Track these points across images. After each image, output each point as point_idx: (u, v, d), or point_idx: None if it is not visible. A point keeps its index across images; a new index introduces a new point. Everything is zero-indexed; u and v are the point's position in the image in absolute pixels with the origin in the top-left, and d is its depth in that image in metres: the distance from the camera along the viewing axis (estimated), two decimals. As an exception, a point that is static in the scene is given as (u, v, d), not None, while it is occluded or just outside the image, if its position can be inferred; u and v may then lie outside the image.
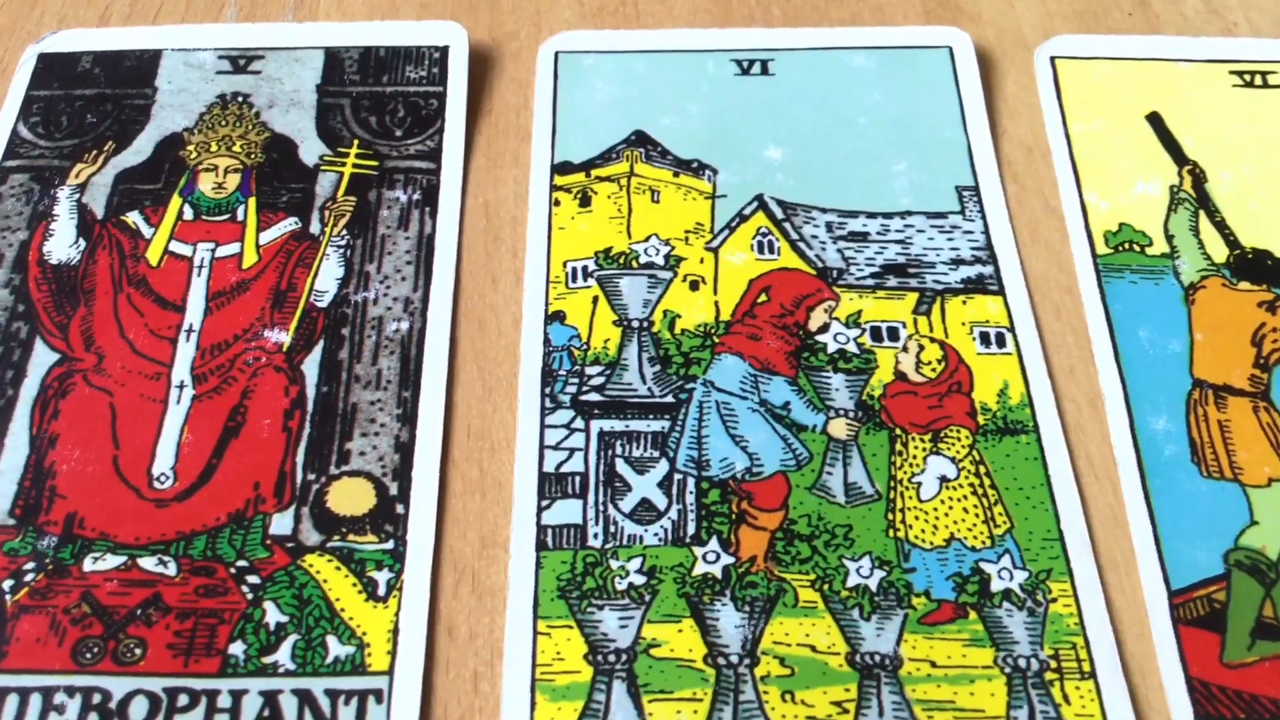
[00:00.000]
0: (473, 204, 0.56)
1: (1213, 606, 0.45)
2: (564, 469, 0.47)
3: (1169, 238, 0.54)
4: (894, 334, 0.51)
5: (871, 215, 0.55)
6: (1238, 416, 0.49)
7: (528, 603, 0.44)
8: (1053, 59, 0.61)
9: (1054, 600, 0.44)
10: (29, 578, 0.44)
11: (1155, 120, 0.59)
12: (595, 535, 0.46)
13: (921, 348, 0.51)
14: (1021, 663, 0.43)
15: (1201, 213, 0.55)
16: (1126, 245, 0.54)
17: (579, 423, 0.49)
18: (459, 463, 0.48)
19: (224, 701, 0.41)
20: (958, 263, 0.54)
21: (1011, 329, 0.51)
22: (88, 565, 0.44)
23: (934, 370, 0.50)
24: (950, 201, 0.56)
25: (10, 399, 0.48)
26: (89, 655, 0.42)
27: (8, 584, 0.44)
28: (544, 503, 0.46)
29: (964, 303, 0.52)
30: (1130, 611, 0.45)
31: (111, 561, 0.44)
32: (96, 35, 0.61)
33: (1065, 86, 0.60)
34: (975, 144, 0.58)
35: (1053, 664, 0.43)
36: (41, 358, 0.49)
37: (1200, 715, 0.42)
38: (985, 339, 0.51)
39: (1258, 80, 0.60)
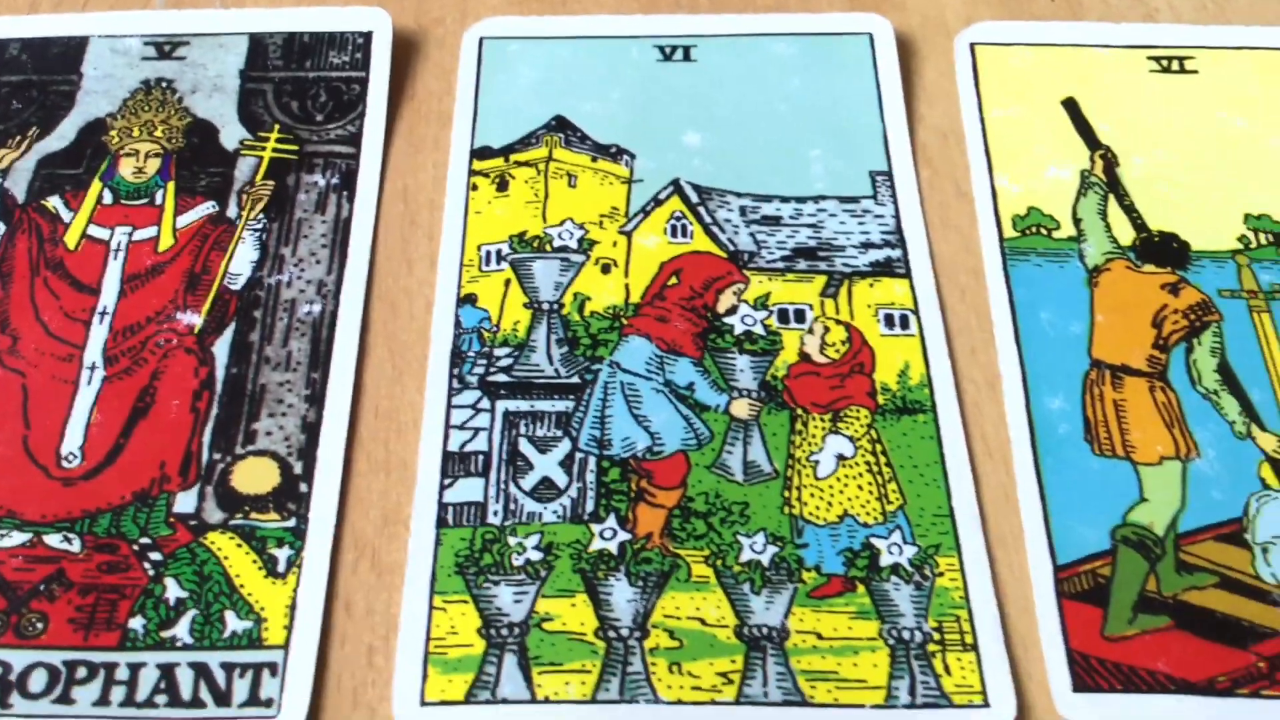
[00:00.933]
0: (391, 188, 0.56)
1: (1097, 581, 0.46)
2: (468, 448, 0.48)
3: (1076, 221, 0.55)
4: (801, 316, 0.52)
5: (785, 199, 0.56)
6: (1134, 396, 0.50)
7: (425, 578, 0.45)
8: (973, 45, 0.62)
9: (941, 574, 0.45)
10: (-65, 555, 0.45)
11: (1070, 105, 0.60)
12: (495, 513, 0.47)
13: (827, 329, 0.51)
14: (905, 635, 0.44)
15: (1111, 197, 0.56)
16: (1034, 229, 0.55)
17: (485, 403, 0.49)
18: (365, 442, 0.49)
19: (122, 674, 0.42)
20: (867, 246, 0.54)
21: (916, 311, 0.52)
22: (-7, 542, 0.45)
23: (838, 351, 0.51)
24: (864, 186, 0.56)
25: (-76, 380, 0.49)
26: (-9, 629, 0.43)
27: (-85, 560, 0.44)
28: (446, 481, 0.47)
29: (871, 285, 0.53)
30: (1016, 586, 0.46)
31: (17, 539, 0.45)
32: (26, 22, 0.61)
33: (984, 73, 0.61)
34: (891, 130, 0.58)
35: (936, 636, 0.44)
36: (-44, 340, 0.50)
37: (1078, 686, 0.43)
38: (890, 321, 0.52)
39: (1175, 65, 0.61)
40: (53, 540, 0.45)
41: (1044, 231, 0.55)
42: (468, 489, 0.47)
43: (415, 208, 0.56)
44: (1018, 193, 0.57)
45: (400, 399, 0.50)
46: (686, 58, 0.61)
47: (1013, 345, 0.51)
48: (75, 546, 0.45)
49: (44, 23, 0.61)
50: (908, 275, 0.53)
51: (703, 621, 0.44)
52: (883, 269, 0.54)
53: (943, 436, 0.49)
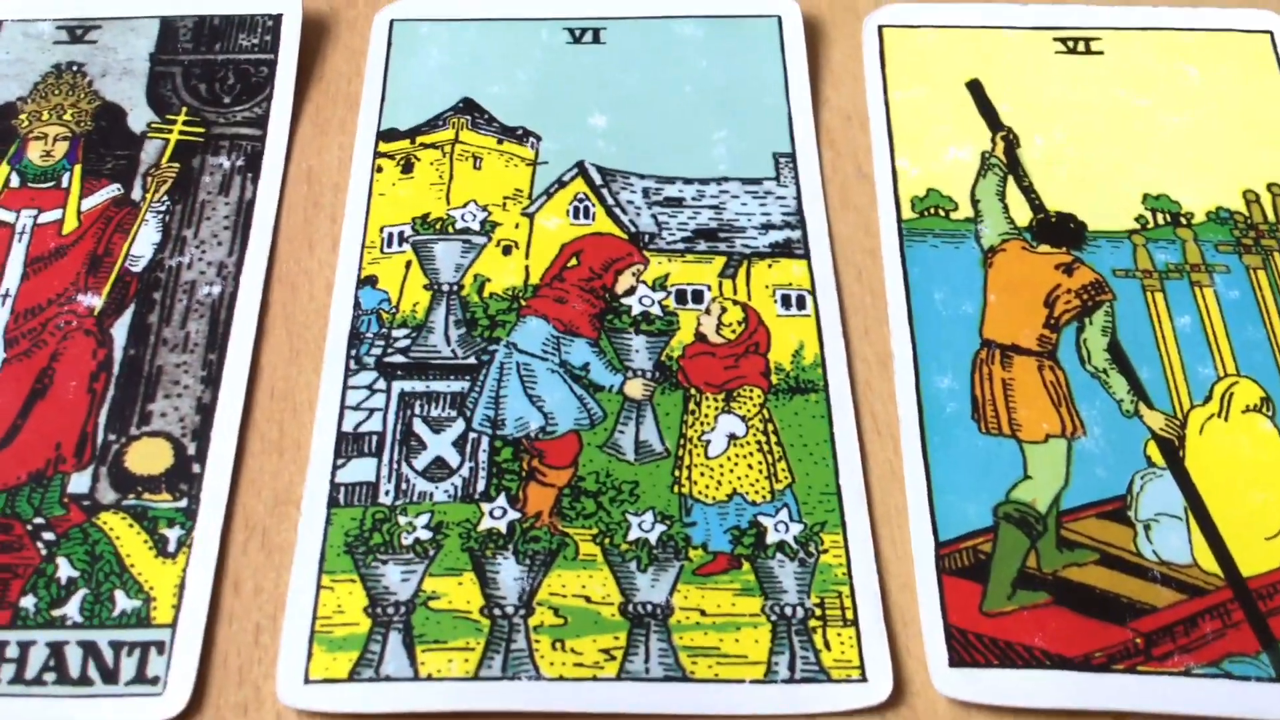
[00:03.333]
0: (296, 170, 0.57)
1: (978, 557, 0.47)
2: (362, 429, 0.49)
3: (974, 202, 0.56)
4: (699, 297, 0.53)
5: (688, 181, 0.57)
6: (1022, 375, 0.51)
7: (314, 557, 0.45)
8: (880, 27, 0.63)
9: (825, 551, 0.46)
10: None
11: (974, 87, 0.60)
12: (387, 492, 0.47)
13: (724, 310, 0.52)
14: (788, 611, 0.45)
15: (1010, 178, 0.57)
16: (931, 210, 0.56)
17: (381, 384, 0.50)
18: (259, 423, 0.49)
19: (11, 652, 0.43)
20: (767, 227, 0.55)
21: (812, 291, 0.53)
22: (-114, 525, 0.45)
23: (734, 332, 0.51)
24: (766, 168, 0.57)
25: None
26: (-121, 610, 0.43)
27: None
28: (339, 461, 0.48)
29: (769, 266, 0.54)
30: (899, 562, 0.46)
31: (-90, 521, 0.45)
32: (-66, 4, 0.61)
33: (890, 55, 0.62)
34: (795, 112, 0.59)
35: (817, 611, 0.45)
36: None
37: (954, 661, 0.44)
38: (786, 301, 0.53)
39: (1080, 46, 0.62)
40: (-55, 522, 0.45)
41: (942, 213, 0.56)
42: (360, 469, 0.48)
43: (319, 190, 0.56)
44: (917, 174, 0.57)
45: (297, 380, 0.50)
46: (596, 39, 0.61)
47: (905, 325, 0.52)
48: (-33, 527, 0.45)
49: (-45, 6, 0.61)
50: (806, 256, 0.54)
51: (588, 599, 0.45)
52: (782, 250, 0.54)
53: (833, 415, 0.49)
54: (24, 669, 0.43)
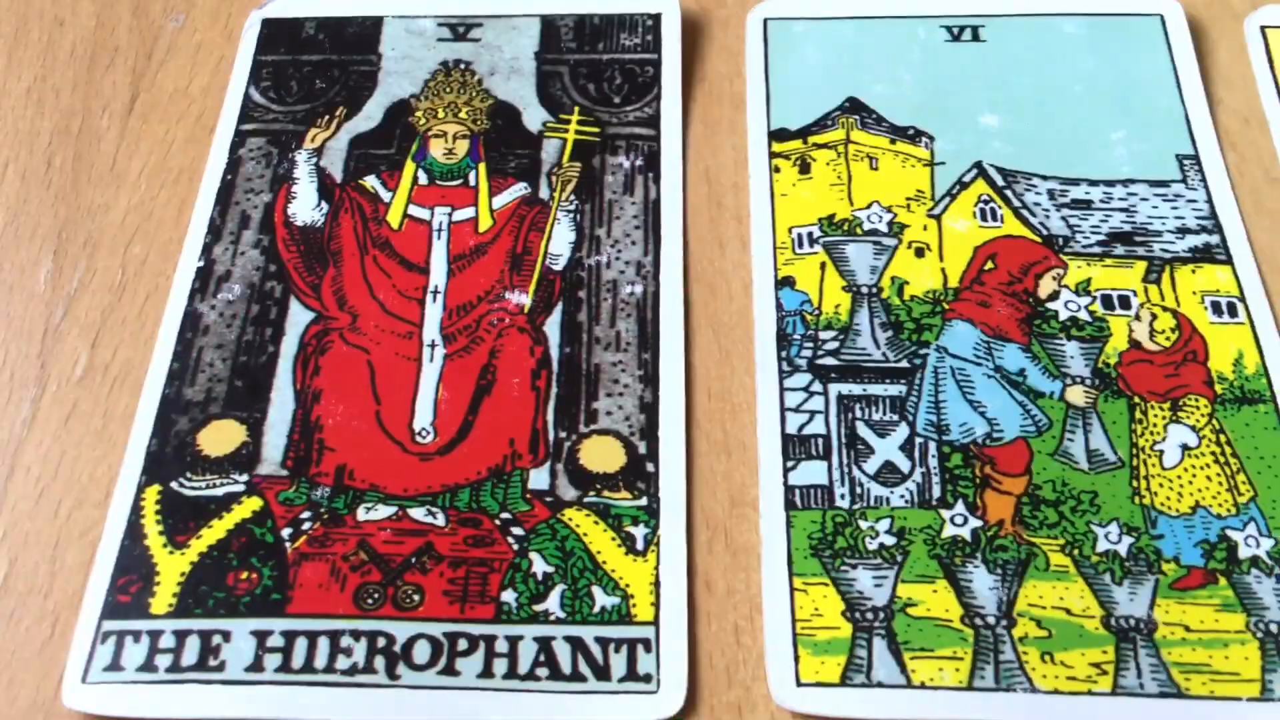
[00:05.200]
0: (694, 170, 0.57)
1: None
2: (805, 431, 0.48)
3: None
4: (1125, 302, 0.52)
5: (1093, 183, 0.55)
6: None
7: (781, 559, 0.45)
8: (1263, 28, 0.61)
9: (1302, 568, 0.45)
10: (306, 526, 0.46)
11: (1370, 90, 0.58)
12: (842, 496, 0.47)
13: (1154, 316, 0.51)
14: (1273, 628, 0.43)
15: None
16: (1353, 217, 0.54)
17: (817, 386, 0.50)
18: (702, 423, 0.49)
19: (501, 646, 0.43)
20: (1184, 231, 0.54)
21: (1242, 298, 0.51)
22: (361, 515, 0.46)
23: (1168, 339, 0.50)
24: (1171, 170, 0.56)
25: (272, 355, 0.50)
26: (370, 601, 0.44)
27: (286, 532, 0.46)
28: (789, 464, 0.48)
29: (1193, 272, 0.52)
30: (1381, 581, 0.45)
31: (383, 512, 0.46)
32: (318, 1, 0.62)
33: (1278, 56, 0.60)
34: (1193, 113, 0.57)
35: (1305, 630, 0.43)
36: (298, 316, 0.52)
37: None
38: (1217, 308, 0.51)
39: None
40: (417, 514, 0.46)
41: (1364, 219, 0.54)
42: (811, 472, 0.47)
43: (720, 190, 0.56)
44: (1328, 179, 0.55)
45: (730, 381, 0.50)
46: (975, 38, 0.60)
47: (1347, 336, 0.50)
48: (440, 520, 0.46)
49: (336, 2, 0.62)
50: (1229, 261, 0.53)
51: (1068, 611, 0.44)
52: (1203, 255, 0.53)
53: (1288, 428, 0.48)
54: (516, 664, 0.43)
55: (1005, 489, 0.47)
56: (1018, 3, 0.62)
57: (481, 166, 0.56)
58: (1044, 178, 0.56)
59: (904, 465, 0.48)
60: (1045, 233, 0.54)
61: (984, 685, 0.42)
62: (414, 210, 0.55)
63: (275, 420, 0.49)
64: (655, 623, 0.44)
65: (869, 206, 0.55)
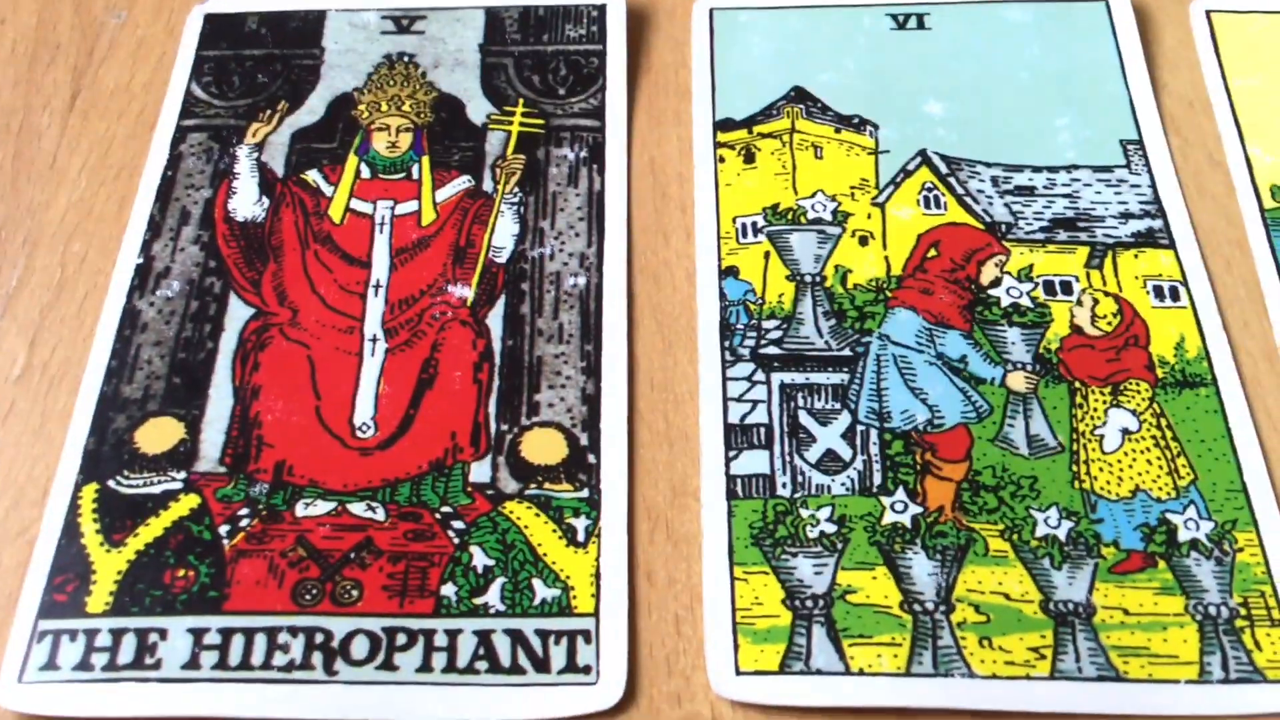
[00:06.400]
0: (639, 161, 0.57)
1: (1402, 557, 0.45)
2: (748, 420, 0.48)
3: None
4: (1068, 288, 0.52)
5: (1037, 169, 0.55)
6: None
7: (722, 549, 0.45)
8: (1208, 12, 0.61)
9: (1240, 550, 0.45)
10: (244, 523, 0.46)
11: (1315, 73, 0.58)
12: (784, 485, 0.47)
13: (1096, 301, 0.51)
14: (1212, 610, 0.44)
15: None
16: (1294, 199, 0.54)
17: (760, 375, 0.50)
18: (644, 414, 0.49)
19: (440, 640, 0.43)
20: (1127, 216, 0.54)
21: (1184, 283, 0.52)
22: (300, 511, 0.46)
23: (1109, 324, 0.50)
24: (1115, 155, 0.56)
25: (210, 352, 0.50)
26: (308, 597, 0.44)
27: (224, 529, 0.45)
28: (731, 453, 0.47)
29: (1135, 256, 0.52)
30: (1318, 561, 0.45)
31: (322, 507, 0.46)
32: (260, -4, 0.62)
33: (1222, 40, 0.60)
34: (1137, 98, 0.58)
35: (1242, 611, 0.43)
36: (237, 312, 0.51)
37: (1394, 663, 0.43)
38: (1159, 293, 0.51)
39: None
40: (357, 509, 0.46)
41: (1305, 202, 0.54)
42: (753, 461, 0.47)
43: (665, 180, 0.56)
44: (1270, 163, 0.56)
45: (674, 371, 0.50)
46: (921, 26, 0.60)
47: (1288, 318, 0.51)
48: (380, 515, 0.46)
49: (278, -4, 0.62)
50: (1172, 246, 0.53)
51: (1007, 596, 0.44)
52: (1145, 240, 0.53)
53: (1227, 410, 0.48)
54: (455, 658, 0.43)
55: (946, 475, 0.47)
56: (963, -10, 0.61)
57: (425, 160, 0.56)
58: (988, 165, 0.56)
59: (845, 453, 0.48)
60: (988, 220, 0.54)
61: (922, 671, 0.42)
62: (356, 204, 0.54)
63: (213, 417, 0.48)
64: (595, 614, 0.44)
65: (813, 195, 0.55)
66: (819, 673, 0.43)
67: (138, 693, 0.42)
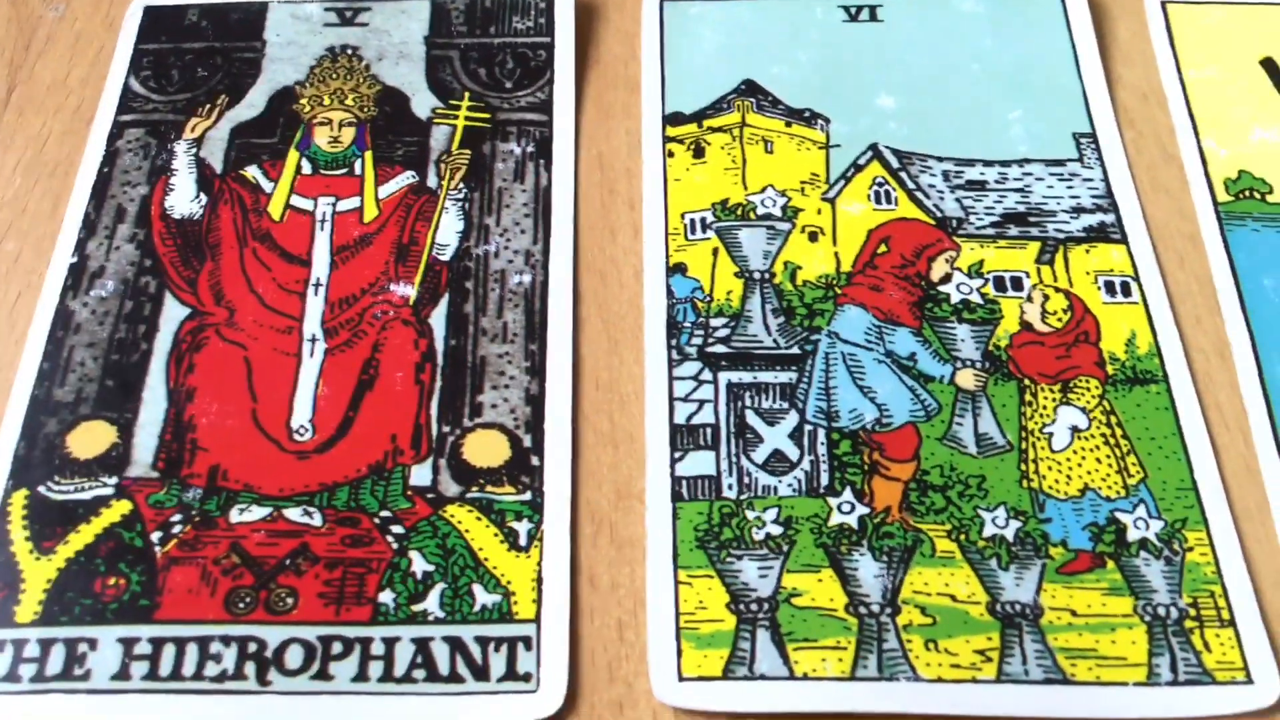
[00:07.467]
0: (586, 156, 0.56)
1: (1351, 555, 0.45)
2: (694, 420, 0.48)
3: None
4: (1018, 284, 0.51)
5: (989, 163, 0.55)
6: (1368, 364, 0.49)
7: (667, 552, 0.44)
8: (1163, 4, 0.60)
9: (1190, 549, 0.44)
10: (176, 530, 0.45)
11: (1270, 66, 0.58)
12: (730, 486, 0.46)
13: (1046, 297, 0.50)
14: (1161, 611, 0.43)
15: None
16: (1247, 193, 0.54)
17: (707, 374, 0.49)
18: (589, 415, 0.48)
19: (377, 649, 0.42)
20: (1079, 211, 0.53)
21: (1136, 278, 0.51)
22: (234, 517, 0.45)
23: (1060, 320, 0.50)
24: (1068, 149, 0.55)
25: (145, 353, 0.49)
26: (242, 605, 0.43)
27: (156, 536, 0.44)
28: (676, 454, 0.47)
29: (1087, 251, 0.52)
30: (1268, 560, 0.45)
31: (257, 513, 0.45)
32: (201, -12, 0.60)
33: (1178, 32, 0.60)
34: (1091, 91, 0.57)
35: (1192, 612, 0.43)
36: (172, 311, 0.50)
37: (1342, 663, 0.42)
38: (1110, 288, 0.51)
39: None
40: (293, 514, 0.45)
41: (1257, 195, 0.54)
42: (699, 462, 0.47)
43: (613, 176, 0.55)
44: (1225, 156, 0.55)
45: (619, 370, 0.49)
46: (873, 17, 0.60)
47: (1239, 313, 0.50)
48: (317, 520, 0.45)
49: (220, -11, 0.60)
50: (1124, 241, 0.52)
51: (953, 598, 0.43)
52: (1097, 234, 0.52)
53: (1178, 407, 0.48)
54: (392, 667, 0.42)
55: (893, 475, 0.46)
56: (916, -18, 0.61)
57: (368, 155, 0.55)
58: (939, 159, 0.55)
59: (793, 453, 0.47)
60: (939, 215, 0.53)
61: (866, 675, 0.42)
62: (296, 201, 0.53)
63: (146, 420, 0.47)
64: (536, 620, 0.43)
65: (763, 191, 0.54)
66: (763, 678, 0.42)
67: (66, 705, 0.41)
